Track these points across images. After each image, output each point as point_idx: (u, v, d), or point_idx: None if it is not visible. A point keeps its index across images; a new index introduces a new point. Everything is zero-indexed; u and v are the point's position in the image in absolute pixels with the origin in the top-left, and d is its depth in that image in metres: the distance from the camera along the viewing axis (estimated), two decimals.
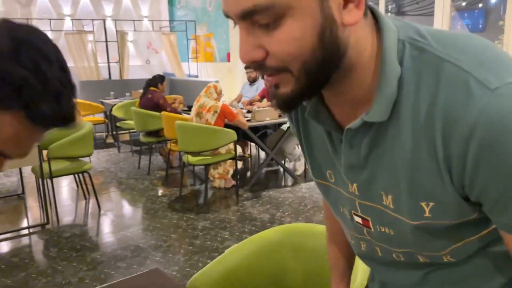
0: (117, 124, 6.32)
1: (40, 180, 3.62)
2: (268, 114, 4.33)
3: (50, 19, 7.47)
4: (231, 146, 4.09)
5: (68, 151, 3.64)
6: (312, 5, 0.49)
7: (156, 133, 4.97)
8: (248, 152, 5.43)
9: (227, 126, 4.01)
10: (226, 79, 7.42)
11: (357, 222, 0.72)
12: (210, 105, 4.01)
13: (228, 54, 7.70)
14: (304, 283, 1.40)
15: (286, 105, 0.56)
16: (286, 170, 4.77)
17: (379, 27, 0.56)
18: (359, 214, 0.70)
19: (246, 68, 5.39)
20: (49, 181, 3.64)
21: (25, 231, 3.51)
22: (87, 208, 4.03)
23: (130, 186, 4.63)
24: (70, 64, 7.96)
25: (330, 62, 0.53)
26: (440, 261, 0.68)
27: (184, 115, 4.89)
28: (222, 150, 4.08)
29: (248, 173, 5.15)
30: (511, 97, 0.48)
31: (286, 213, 3.69)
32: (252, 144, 5.36)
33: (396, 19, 0.59)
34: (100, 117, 6.88)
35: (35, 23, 7.72)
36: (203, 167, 4.42)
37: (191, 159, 4.00)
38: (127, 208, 4.11)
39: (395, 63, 0.55)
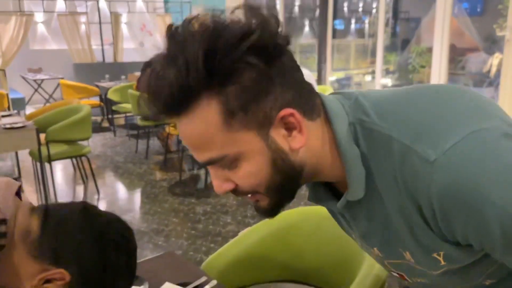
0: (113, 107, 6.24)
1: (37, 163, 3.57)
2: None
3: (42, 0, 7.30)
4: None
5: (67, 134, 3.60)
6: (259, 146, 0.57)
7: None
8: None
9: None
10: None
11: (396, 276, 0.76)
12: None
13: None
14: (320, 265, 1.39)
15: (268, 214, 0.66)
16: None
17: (329, 119, 0.61)
18: (393, 270, 0.74)
19: None
20: (47, 164, 3.60)
21: None
22: (86, 192, 4.00)
23: (128, 170, 4.60)
24: (63, 46, 7.83)
25: (291, 179, 0.61)
26: (482, 285, 0.70)
27: None
28: None
29: None
30: (449, 165, 0.52)
31: None
32: None
33: (345, 96, 0.63)
34: (95, 100, 6.79)
35: (26, 4, 7.52)
36: None
37: None
38: (126, 192, 4.08)
39: (352, 147, 0.60)
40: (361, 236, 0.70)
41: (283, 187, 0.61)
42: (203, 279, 1.21)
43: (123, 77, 6.75)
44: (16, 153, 4.53)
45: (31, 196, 3.94)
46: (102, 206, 3.68)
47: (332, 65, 6.34)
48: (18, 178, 4.33)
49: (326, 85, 6.11)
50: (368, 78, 6.21)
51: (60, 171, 4.65)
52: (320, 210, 1.42)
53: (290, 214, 1.43)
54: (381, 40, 5.13)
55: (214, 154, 0.58)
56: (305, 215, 1.40)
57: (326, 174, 0.64)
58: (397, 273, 0.74)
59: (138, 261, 1.34)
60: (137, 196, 3.93)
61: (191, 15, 0.57)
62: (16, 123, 3.38)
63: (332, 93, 0.66)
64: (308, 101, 0.60)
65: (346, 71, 6.64)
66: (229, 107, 0.55)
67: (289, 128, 0.58)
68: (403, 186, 0.57)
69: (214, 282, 1.21)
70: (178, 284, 1.16)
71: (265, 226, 1.41)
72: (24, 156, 4.36)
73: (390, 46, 5.95)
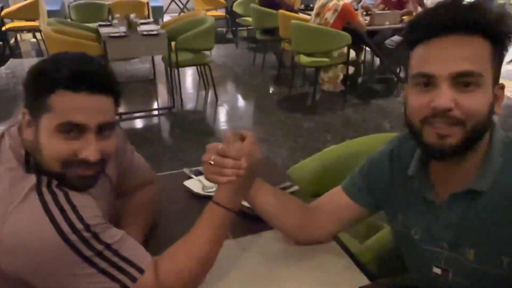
0: (237, 20, 6.41)
1: (168, 68, 3.98)
2: (388, 18, 4.00)
3: None
4: (344, 50, 3.94)
5: (193, 44, 3.88)
6: (489, 90, 0.72)
7: (272, 32, 4.97)
8: (362, 57, 5.18)
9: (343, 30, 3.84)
10: None
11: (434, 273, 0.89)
12: (332, 4, 3.84)
13: None
14: None
15: (453, 152, 0.72)
16: (399, 79, 4.50)
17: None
18: (441, 267, 0.83)
19: None
20: (175, 70, 3.99)
21: (155, 112, 4.01)
22: (206, 97, 4.38)
23: (244, 81, 4.85)
24: None
25: (486, 129, 0.74)
26: None
27: (300, 15, 4.75)
28: (335, 54, 3.97)
29: (360, 79, 4.99)
30: None
31: (393, 123, 3.59)
32: (367, 49, 5.08)
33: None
34: (221, 12, 7.02)
35: None
36: (313, 69, 4.39)
37: (303, 59, 3.99)
38: (240, 101, 4.36)
39: (500, 140, 0.76)
40: (454, 230, 0.78)
41: (482, 130, 0.72)
42: (288, 183, 1.34)
43: None
44: (153, 58, 5.06)
45: (164, 95, 4.46)
46: (219, 111, 4.03)
47: None
48: (153, 80, 4.90)
49: None
50: None
51: (189, 76, 5.11)
52: None
53: (374, 138, 1.45)
54: None
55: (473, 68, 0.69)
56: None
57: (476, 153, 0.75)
58: (441, 269, 0.81)
59: None
60: (249, 106, 4.18)
61: None
62: (152, 30, 3.75)
63: None
64: None
65: None
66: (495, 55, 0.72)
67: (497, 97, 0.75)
68: None
69: (296, 187, 1.33)
70: None
71: (348, 146, 1.46)
72: (159, 60, 4.86)
73: None
